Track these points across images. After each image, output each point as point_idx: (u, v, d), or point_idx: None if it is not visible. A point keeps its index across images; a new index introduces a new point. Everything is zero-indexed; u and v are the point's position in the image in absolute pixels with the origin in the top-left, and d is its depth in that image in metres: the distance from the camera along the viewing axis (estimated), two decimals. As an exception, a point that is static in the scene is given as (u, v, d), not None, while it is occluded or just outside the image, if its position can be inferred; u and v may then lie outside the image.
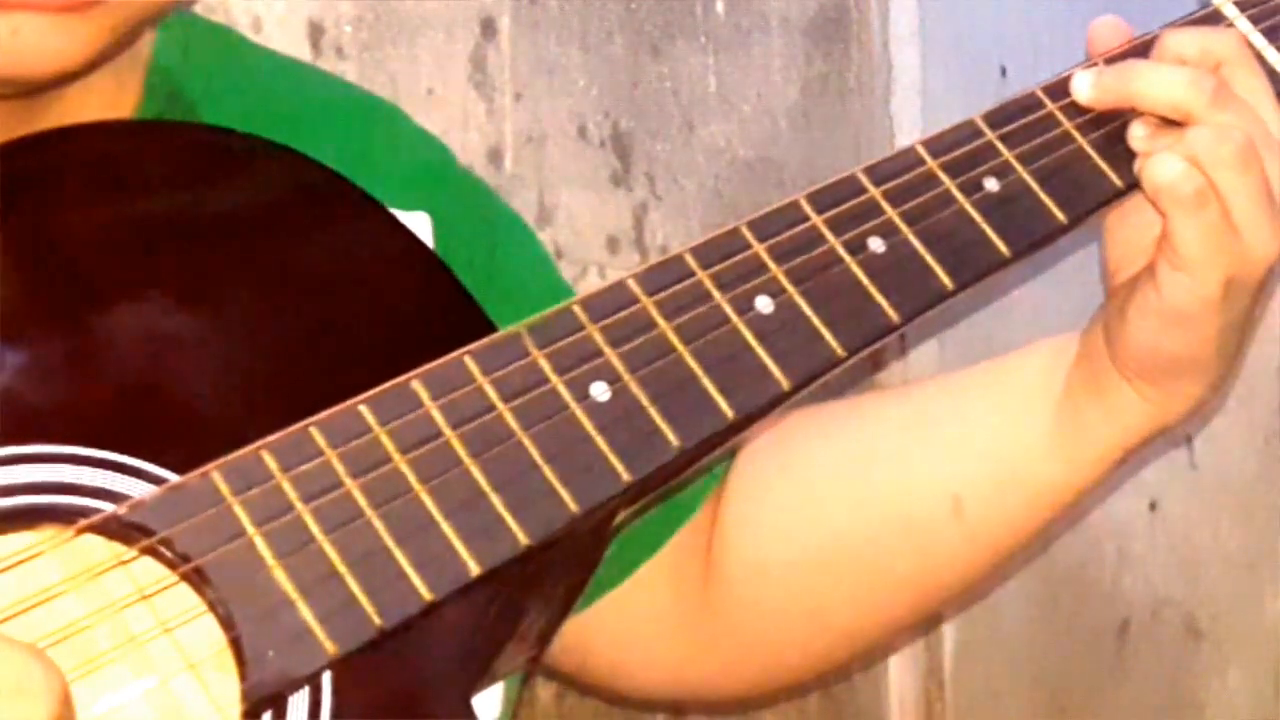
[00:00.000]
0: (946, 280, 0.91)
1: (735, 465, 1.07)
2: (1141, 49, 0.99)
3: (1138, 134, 0.96)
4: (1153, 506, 1.91)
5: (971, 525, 1.03)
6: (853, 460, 1.05)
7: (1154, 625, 1.90)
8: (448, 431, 0.82)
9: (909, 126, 1.75)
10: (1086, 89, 0.97)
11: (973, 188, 0.94)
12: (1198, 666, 1.93)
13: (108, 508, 0.78)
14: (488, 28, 1.46)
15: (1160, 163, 0.93)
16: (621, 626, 1.06)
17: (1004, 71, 1.80)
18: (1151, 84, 0.95)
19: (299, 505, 0.79)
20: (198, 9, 1.29)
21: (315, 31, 1.36)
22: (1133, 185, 0.96)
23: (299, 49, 1.35)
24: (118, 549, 0.78)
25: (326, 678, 0.79)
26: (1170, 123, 0.96)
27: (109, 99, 0.92)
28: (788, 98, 1.68)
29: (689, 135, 1.60)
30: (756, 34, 1.65)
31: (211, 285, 0.85)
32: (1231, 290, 0.94)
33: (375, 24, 1.40)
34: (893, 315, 0.90)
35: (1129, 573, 1.89)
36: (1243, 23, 1.01)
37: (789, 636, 1.07)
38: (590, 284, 1.52)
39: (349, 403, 0.81)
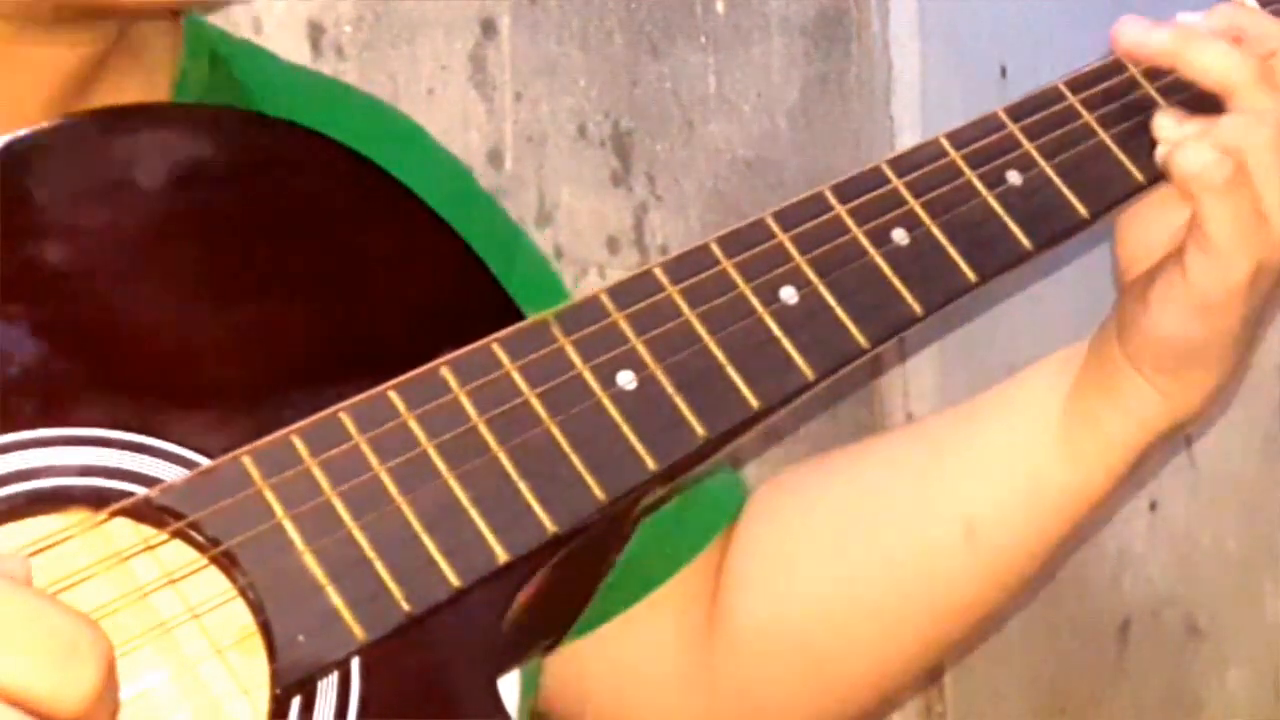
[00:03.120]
0: (969, 273, 0.92)
1: (746, 513, 1.07)
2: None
3: (1164, 124, 0.96)
4: (1153, 506, 1.91)
5: (985, 547, 1.02)
6: (864, 502, 1.05)
7: (1154, 625, 1.90)
8: (476, 418, 0.82)
9: (909, 126, 1.75)
10: (1133, 33, 0.97)
11: (995, 180, 0.94)
12: (1198, 666, 1.93)
13: (137, 490, 0.78)
14: (488, 28, 1.46)
15: (1191, 150, 0.93)
16: (622, 658, 1.05)
17: (1004, 71, 1.80)
18: (1205, 52, 0.96)
19: (329, 491, 0.80)
20: (199, 10, 1.29)
21: (315, 31, 1.36)
22: (1155, 179, 0.96)
23: (299, 49, 1.35)
24: (146, 533, 0.78)
25: (355, 663, 0.79)
26: (1194, 112, 0.96)
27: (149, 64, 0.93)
28: (788, 98, 1.68)
29: (689, 135, 1.60)
30: (756, 34, 1.65)
31: (243, 270, 0.85)
32: (1258, 277, 0.94)
33: (375, 24, 1.40)
34: (916, 307, 0.90)
35: (1129, 573, 1.89)
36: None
37: (793, 690, 1.06)
38: (590, 284, 1.52)
39: (378, 389, 0.82)
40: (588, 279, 1.52)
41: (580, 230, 1.52)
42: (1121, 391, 0.99)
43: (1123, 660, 1.88)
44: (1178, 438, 1.89)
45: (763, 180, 1.65)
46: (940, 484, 1.03)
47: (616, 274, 1.53)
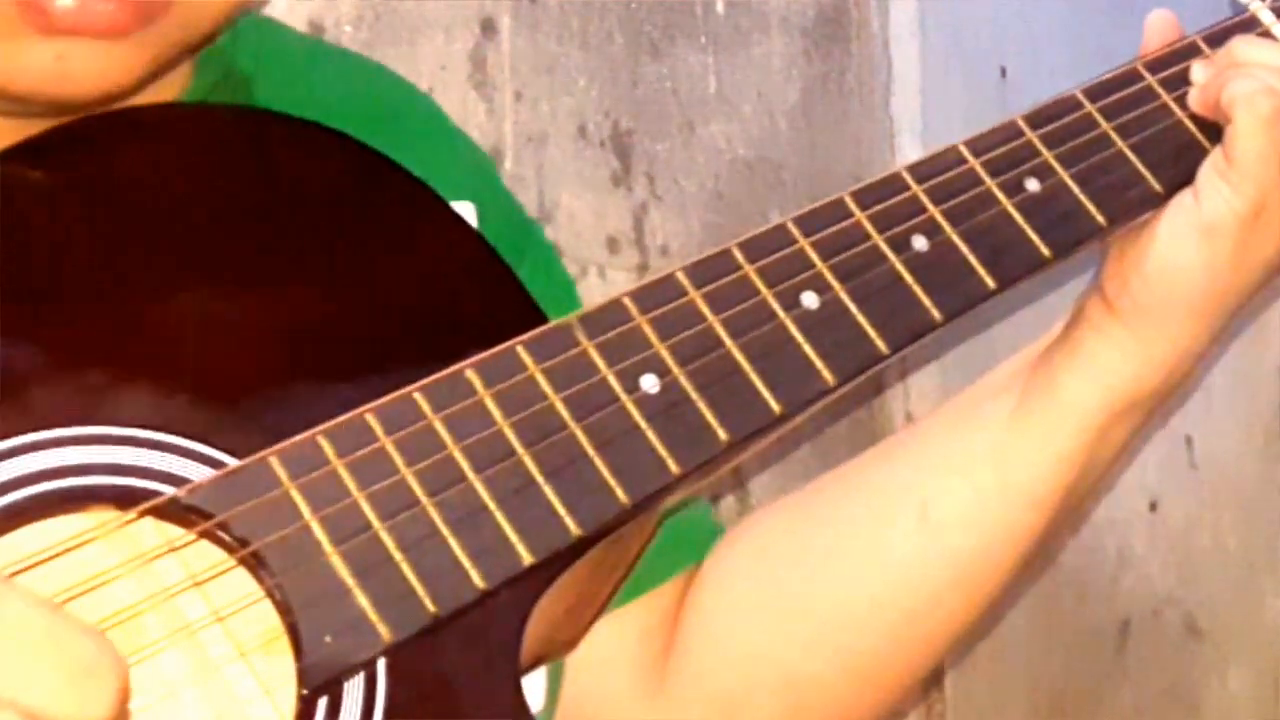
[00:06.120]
0: (989, 280, 0.93)
1: (715, 552, 1.06)
2: (1188, 50, 1.02)
3: (1198, 70, 1.00)
4: (1153, 506, 1.91)
5: (940, 528, 1.01)
6: (822, 524, 1.04)
7: (1154, 625, 1.90)
8: (501, 421, 0.83)
9: (909, 126, 1.75)
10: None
11: (1014, 188, 0.95)
12: (1198, 666, 1.93)
13: (164, 490, 0.78)
14: (488, 28, 1.46)
15: (1250, 78, 0.97)
16: (579, 669, 1.03)
17: (1004, 72, 1.80)
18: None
19: (356, 492, 0.80)
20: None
21: (315, 31, 1.36)
22: (1172, 190, 0.97)
23: (299, 48, 1.35)
24: (170, 534, 0.78)
25: (381, 664, 0.79)
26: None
27: (160, 81, 0.92)
28: (788, 98, 1.68)
29: (689, 135, 1.60)
30: (756, 34, 1.65)
31: (269, 271, 0.85)
32: (1260, 223, 0.96)
33: (375, 24, 1.39)
34: (935, 314, 0.91)
35: (1129, 573, 1.89)
36: None
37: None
38: (590, 284, 1.52)
39: (404, 390, 0.82)
40: (588, 279, 1.52)
41: (580, 230, 1.52)
42: (1086, 350, 0.99)
43: (1123, 660, 1.88)
44: (1177, 435, 1.90)
45: (763, 180, 1.65)
46: (896, 476, 1.03)
47: (616, 274, 1.53)
